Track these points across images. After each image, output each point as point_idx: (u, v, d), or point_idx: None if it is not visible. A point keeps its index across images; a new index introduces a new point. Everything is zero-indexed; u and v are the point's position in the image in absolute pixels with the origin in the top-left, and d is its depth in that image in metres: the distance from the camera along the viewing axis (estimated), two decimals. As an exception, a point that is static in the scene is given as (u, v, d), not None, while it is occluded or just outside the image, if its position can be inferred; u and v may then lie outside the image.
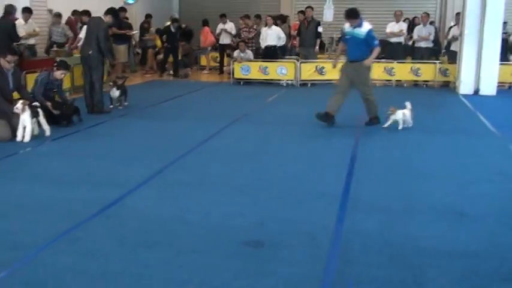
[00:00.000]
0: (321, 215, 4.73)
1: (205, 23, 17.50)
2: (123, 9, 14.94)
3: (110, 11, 9.80)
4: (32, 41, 12.02)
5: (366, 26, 8.31)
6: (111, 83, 10.30)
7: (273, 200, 5.14)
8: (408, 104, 8.42)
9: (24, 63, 10.92)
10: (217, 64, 17.39)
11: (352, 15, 8.34)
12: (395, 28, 14.53)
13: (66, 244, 4.07)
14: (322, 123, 8.36)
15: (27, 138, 7.32)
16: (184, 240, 4.16)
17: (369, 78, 8.70)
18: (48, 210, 4.79)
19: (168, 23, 16.01)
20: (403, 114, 8.30)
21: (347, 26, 8.54)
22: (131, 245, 4.05)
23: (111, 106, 10.15)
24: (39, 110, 7.56)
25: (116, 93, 10.08)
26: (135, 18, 17.92)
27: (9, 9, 10.71)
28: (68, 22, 13.72)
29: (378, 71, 14.08)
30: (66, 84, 11.64)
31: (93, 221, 4.55)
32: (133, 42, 16.74)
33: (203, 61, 18.23)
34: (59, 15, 13.33)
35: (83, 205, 4.90)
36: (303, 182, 5.70)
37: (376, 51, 8.45)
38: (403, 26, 14.71)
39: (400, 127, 8.28)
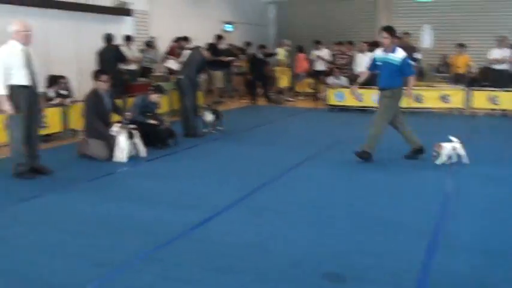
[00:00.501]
0: (409, 250, 4.47)
1: (300, 49, 17.58)
2: (220, 37, 15.36)
3: (210, 48, 10.23)
4: (132, 67, 12.64)
5: (401, 53, 7.77)
6: (205, 107, 10.53)
7: (360, 231, 4.95)
8: (454, 139, 7.69)
9: (127, 87, 11.51)
10: (312, 90, 17.35)
11: (390, 29, 7.80)
12: (498, 54, 13.78)
13: (148, 264, 4.13)
14: (412, 159, 7.93)
15: (124, 159, 7.62)
16: (263, 267, 4.08)
17: (389, 111, 7.84)
18: (135, 229, 4.91)
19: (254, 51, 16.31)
20: (452, 148, 7.60)
21: (379, 52, 8.02)
22: (210, 269, 4.03)
23: (205, 130, 10.37)
24: (135, 132, 7.86)
25: (209, 117, 10.30)
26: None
27: (110, 37, 11.52)
28: (170, 49, 14.26)
29: (481, 99, 13.33)
30: (164, 108, 12.13)
31: (176, 243, 4.61)
32: (235, 69, 17.16)
33: (298, 87, 18.26)
34: (148, 43, 13.95)
35: (166, 227, 4.99)
36: (392, 214, 5.44)
37: (412, 79, 7.93)
38: (507, 52, 13.91)
39: (452, 161, 7.62)
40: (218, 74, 15.09)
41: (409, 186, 6.56)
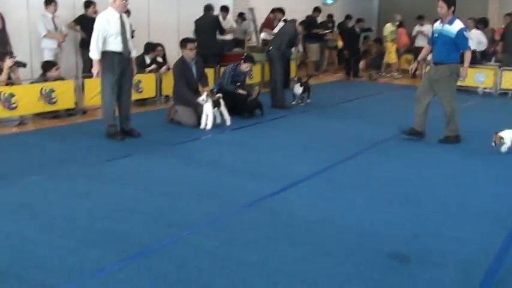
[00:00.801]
0: (486, 238, 4.24)
1: (400, 24, 16.91)
2: (317, 9, 15.11)
3: (306, 21, 10.25)
4: (228, 37, 12.80)
5: (458, 24, 7.08)
6: (295, 80, 10.50)
7: (436, 213, 4.76)
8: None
9: (222, 57, 11.71)
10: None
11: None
12: None
13: (214, 229, 4.25)
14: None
15: (209, 126, 7.81)
16: (329, 243, 4.05)
17: (454, 86, 7.36)
18: (208, 195, 5.05)
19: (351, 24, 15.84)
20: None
21: (437, 24, 7.33)
22: (275, 239, 4.07)
23: (294, 102, 10.35)
24: (221, 100, 8.01)
25: (299, 89, 10.26)
26: (335, 19, 17.98)
27: (209, 7, 11.73)
28: (266, 20, 14.25)
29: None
30: (256, 79, 12.24)
31: (246, 211, 4.69)
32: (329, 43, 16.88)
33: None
34: (240, 14, 13.97)
35: (241, 194, 5.09)
36: (474, 200, 5.17)
37: (468, 54, 7.18)
38: None
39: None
40: (313, 47, 14.91)
41: (492, 172, 6.18)
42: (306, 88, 10.44)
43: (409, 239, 4.16)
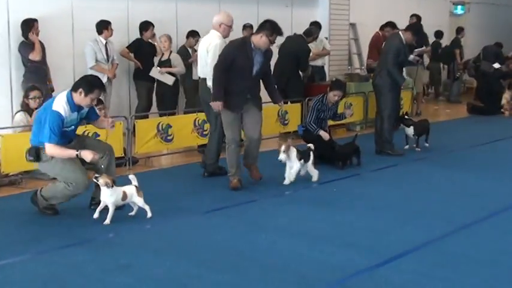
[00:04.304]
0: None
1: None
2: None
3: (410, 27, 10.08)
4: (319, 62, 13.02)
5: None
6: (406, 117, 10.45)
7: None
8: None
9: (311, 87, 11.94)
10: None
11: None
12: None
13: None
14: None
15: (291, 179, 7.91)
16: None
17: None
18: (281, 269, 5.14)
19: None
20: None
21: None
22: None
23: (406, 147, 10.29)
24: (311, 153, 8.09)
25: (409, 130, 10.20)
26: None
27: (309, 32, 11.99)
28: (373, 38, 14.32)
29: None
30: (357, 117, 12.30)
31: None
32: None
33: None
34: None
35: (324, 269, 5.15)
36: None
37: None
38: None
39: None
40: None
41: None
42: (423, 128, 10.36)
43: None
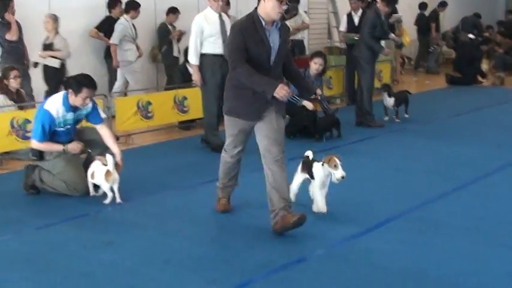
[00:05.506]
0: None
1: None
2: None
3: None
4: (298, 36, 12.98)
5: None
6: (385, 88, 10.48)
7: None
8: None
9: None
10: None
11: None
12: None
13: (273, 283, 4.37)
14: None
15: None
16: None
17: None
18: (267, 241, 5.19)
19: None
20: None
21: None
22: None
23: (386, 118, 10.34)
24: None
25: (389, 101, 10.24)
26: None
27: None
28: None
29: None
30: (337, 90, 12.32)
31: (314, 260, 4.83)
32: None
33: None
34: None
35: (308, 239, 5.22)
36: None
37: None
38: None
39: None
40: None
41: None
42: (401, 99, 10.41)
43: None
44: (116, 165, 6.24)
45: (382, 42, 10.71)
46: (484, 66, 15.87)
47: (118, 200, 6.23)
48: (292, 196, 5.79)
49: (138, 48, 10.89)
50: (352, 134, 9.35)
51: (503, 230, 5.40)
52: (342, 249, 5.03)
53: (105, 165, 6.17)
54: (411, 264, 4.67)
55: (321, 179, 5.71)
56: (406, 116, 10.55)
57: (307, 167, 5.87)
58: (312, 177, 5.80)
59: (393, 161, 7.96)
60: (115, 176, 6.18)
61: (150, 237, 5.34)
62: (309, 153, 5.99)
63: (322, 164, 5.68)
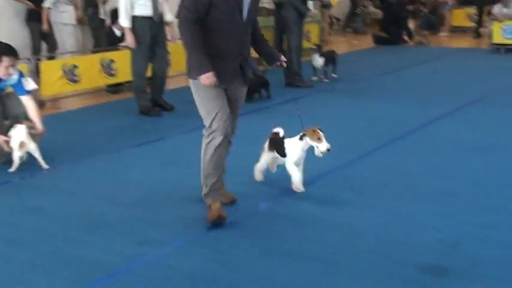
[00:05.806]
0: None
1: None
2: None
3: None
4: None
5: None
6: (314, 48, 10.56)
7: (491, 212, 4.87)
8: None
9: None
10: (473, 25, 16.70)
11: None
12: None
13: (194, 246, 4.41)
14: None
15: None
16: (345, 255, 4.19)
17: None
18: (188, 201, 5.19)
19: None
20: None
21: None
22: (272, 253, 4.20)
23: (315, 78, 10.43)
24: None
25: (319, 61, 10.33)
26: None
27: None
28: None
29: None
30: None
31: (240, 221, 4.86)
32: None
33: (454, 20, 17.67)
34: None
35: (231, 207, 5.22)
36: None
37: None
38: None
39: None
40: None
41: None
42: (330, 59, 10.50)
43: (448, 247, 4.25)
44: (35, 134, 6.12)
45: (310, 4, 10.77)
46: (411, 25, 16.19)
47: (44, 166, 6.12)
48: (259, 174, 5.66)
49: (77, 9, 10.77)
50: (281, 94, 9.35)
51: (420, 184, 5.54)
52: (271, 208, 5.10)
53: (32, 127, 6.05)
54: (336, 220, 4.77)
55: (298, 155, 5.33)
56: (334, 75, 10.67)
57: (276, 145, 5.55)
58: (282, 155, 5.46)
59: (320, 120, 7.99)
60: (30, 146, 6.02)
61: (79, 202, 5.28)
62: (279, 130, 5.63)
63: (301, 138, 5.34)
